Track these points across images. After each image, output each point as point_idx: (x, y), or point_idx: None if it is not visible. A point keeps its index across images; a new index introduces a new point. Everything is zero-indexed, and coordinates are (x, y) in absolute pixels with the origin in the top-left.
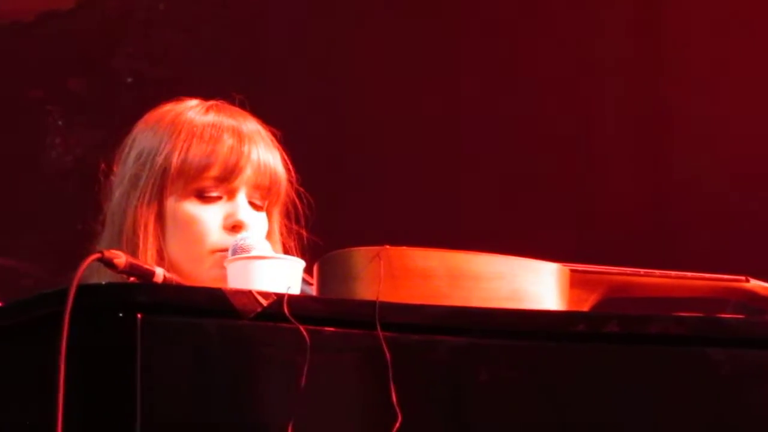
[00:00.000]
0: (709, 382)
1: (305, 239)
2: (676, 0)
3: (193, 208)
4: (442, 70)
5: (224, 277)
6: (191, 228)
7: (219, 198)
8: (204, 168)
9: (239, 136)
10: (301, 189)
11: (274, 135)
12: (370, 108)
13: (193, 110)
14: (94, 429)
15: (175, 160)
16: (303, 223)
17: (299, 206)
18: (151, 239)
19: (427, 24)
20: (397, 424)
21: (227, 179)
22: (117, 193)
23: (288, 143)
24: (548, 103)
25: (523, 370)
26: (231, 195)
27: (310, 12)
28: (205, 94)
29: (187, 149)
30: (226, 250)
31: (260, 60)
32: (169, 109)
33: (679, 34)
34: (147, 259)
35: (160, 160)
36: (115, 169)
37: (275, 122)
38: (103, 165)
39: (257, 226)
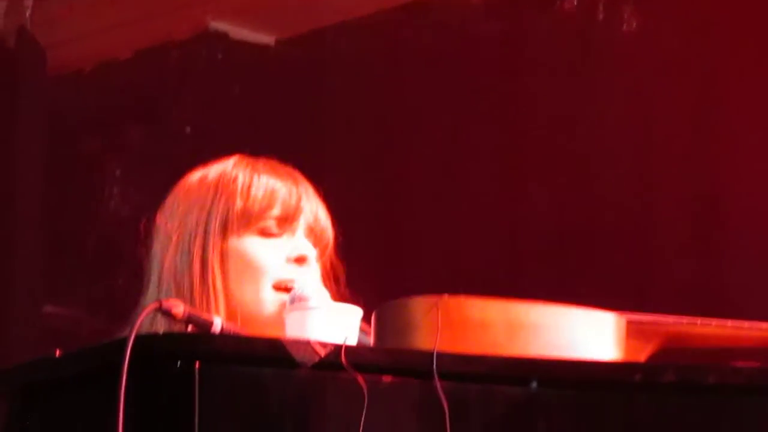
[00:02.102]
0: None
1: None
2: (732, 91)
3: (256, 241)
4: (496, 138)
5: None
6: (254, 262)
7: (280, 236)
8: (266, 207)
9: (294, 180)
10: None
11: (317, 191)
12: (428, 157)
13: (241, 162)
14: None
15: (238, 201)
16: (343, 281)
17: (340, 267)
18: (219, 281)
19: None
20: None
21: (288, 218)
22: (174, 242)
23: (338, 199)
24: (608, 176)
25: (581, 420)
26: (291, 233)
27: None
28: (262, 144)
29: (248, 190)
30: (287, 286)
31: (318, 111)
32: (208, 169)
33: (733, 127)
34: (219, 303)
35: (220, 205)
36: (158, 222)
37: (331, 177)
38: (143, 223)
39: (315, 265)
